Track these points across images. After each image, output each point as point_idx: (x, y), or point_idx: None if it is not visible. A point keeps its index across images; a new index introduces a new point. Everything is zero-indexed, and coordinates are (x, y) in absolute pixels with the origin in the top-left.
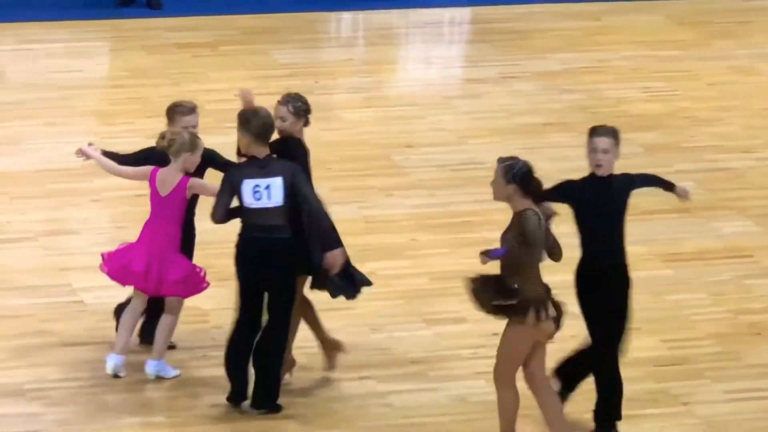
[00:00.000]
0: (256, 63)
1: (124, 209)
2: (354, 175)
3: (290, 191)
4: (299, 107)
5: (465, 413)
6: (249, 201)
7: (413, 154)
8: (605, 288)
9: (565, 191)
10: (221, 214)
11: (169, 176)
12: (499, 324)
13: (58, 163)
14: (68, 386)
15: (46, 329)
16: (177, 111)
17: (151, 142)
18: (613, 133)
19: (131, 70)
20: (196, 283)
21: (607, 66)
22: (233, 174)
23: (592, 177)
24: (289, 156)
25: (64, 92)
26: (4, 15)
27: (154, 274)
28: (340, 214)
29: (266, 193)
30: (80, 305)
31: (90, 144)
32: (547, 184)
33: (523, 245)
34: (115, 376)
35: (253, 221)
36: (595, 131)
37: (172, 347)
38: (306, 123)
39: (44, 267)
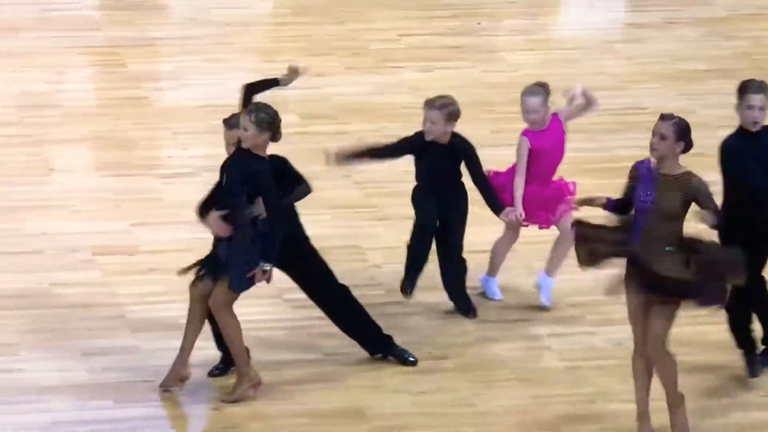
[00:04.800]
0: (420, 3)
1: (286, 146)
2: (515, 117)
3: None
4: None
5: None
6: None
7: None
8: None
9: None
10: None
11: None
12: None
13: (219, 99)
14: None
15: None
16: None
17: (312, 81)
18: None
19: (295, 8)
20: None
21: None
22: None
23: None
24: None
25: (227, 29)
26: None
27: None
28: (502, 156)
29: None
30: None
31: None
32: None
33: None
34: None
35: None
36: (749, 88)
37: None
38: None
39: None
